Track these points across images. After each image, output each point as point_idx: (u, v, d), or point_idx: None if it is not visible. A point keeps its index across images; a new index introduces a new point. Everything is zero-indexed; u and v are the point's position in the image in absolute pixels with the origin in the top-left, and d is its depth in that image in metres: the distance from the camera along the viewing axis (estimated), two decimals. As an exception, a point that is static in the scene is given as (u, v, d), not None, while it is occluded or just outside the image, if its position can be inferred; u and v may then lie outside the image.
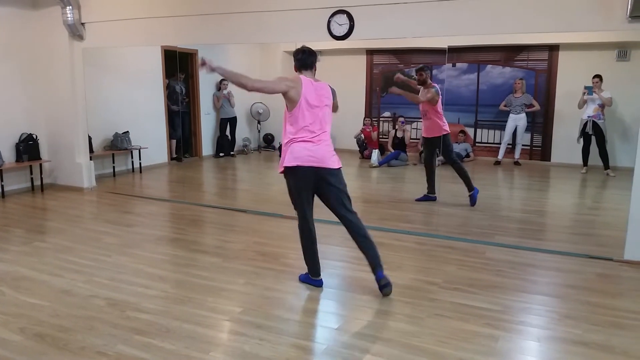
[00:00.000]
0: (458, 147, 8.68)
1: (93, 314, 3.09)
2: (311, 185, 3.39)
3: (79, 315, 3.07)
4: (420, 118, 6.13)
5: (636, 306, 3.25)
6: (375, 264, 3.35)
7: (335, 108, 3.59)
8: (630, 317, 3.09)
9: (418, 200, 6.14)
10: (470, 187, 5.91)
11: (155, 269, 3.86)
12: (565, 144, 8.29)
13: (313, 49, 3.50)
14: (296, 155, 3.30)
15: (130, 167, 7.99)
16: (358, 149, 9.24)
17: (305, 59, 3.43)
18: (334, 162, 3.39)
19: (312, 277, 3.55)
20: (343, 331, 2.91)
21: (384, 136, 9.50)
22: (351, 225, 3.44)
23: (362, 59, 9.72)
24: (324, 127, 3.39)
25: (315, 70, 3.51)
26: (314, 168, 3.31)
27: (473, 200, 5.86)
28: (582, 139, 7.70)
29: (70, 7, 5.99)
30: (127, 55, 7.75)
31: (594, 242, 4.57)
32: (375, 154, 8.56)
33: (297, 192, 3.41)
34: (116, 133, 7.61)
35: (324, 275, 3.62)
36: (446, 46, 6.29)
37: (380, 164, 8.48)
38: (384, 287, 3.31)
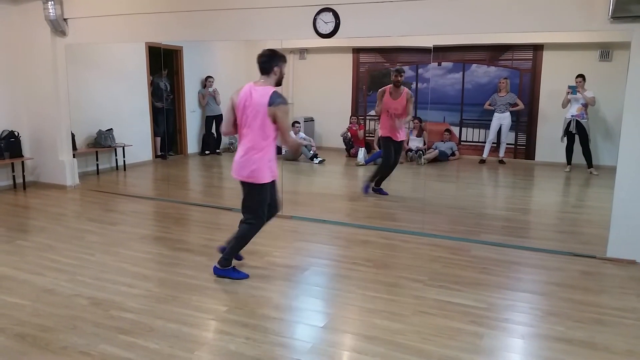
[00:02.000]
0: (443, 146, 8.72)
1: (76, 313, 3.05)
2: None
3: (61, 314, 3.03)
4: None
5: (618, 303, 3.29)
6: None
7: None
8: (612, 314, 3.13)
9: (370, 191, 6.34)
10: (379, 183, 6.26)
11: (139, 267, 3.83)
12: (549, 142, 8.36)
13: (272, 50, 3.41)
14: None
15: (114, 164, 7.90)
16: (345, 147, 9.24)
17: (258, 63, 3.40)
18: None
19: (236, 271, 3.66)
20: (329, 329, 2.91)
21: (370, 134, 9.52)
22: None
23: (349, 58, 9.71)
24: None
25: (272, 74, 3.39)
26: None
27: (366, 189, 6.26)
28: (565, 138, 7.77)
29: (52, 2, 5.89)
30: (111, 51, 7.66)
31: (578, 240, 4.63)
32: (361, 152, 8.56)
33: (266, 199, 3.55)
34: (100, 130, 7.52)
35: (310, 273, 3.62)
36: (432, 45, 6.30)
37: (367, 162, 8.49)
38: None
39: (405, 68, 9.44)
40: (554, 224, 5.37)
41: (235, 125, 3.47)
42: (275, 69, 3.37)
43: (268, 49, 3.38)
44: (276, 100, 3.27)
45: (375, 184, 6.26)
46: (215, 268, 3.64)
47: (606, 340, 2.79)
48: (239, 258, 3.89)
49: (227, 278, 3.59)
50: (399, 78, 5.93)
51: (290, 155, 8.67)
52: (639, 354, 2.66)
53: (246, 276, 3.60)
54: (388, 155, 6.13)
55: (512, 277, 3.76)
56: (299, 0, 4.91)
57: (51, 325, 2.90)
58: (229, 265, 3.62)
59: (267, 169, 3.39)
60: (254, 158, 3.35)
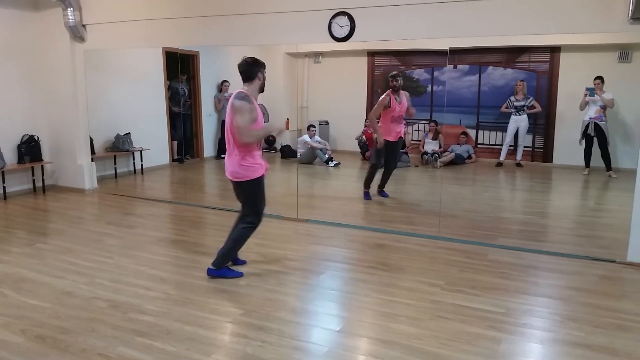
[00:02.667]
0: (460, 149, 8.67)
1: (94, 315, 3.09)
2: None
3: (80, 317, 3.07)
4: (421, 120, 6.22)
5: (639, 308, 3.23)
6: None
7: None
8: (633, 319, 3.07)
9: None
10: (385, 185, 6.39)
11: (156, 270, 3.86)
12: (567, 145, 8.26)
13: (252, 58, 3.55)
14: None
15: (131, 168, 7.99)
16: (360, 150, 9.23)
17: (240, 72, 3.55)
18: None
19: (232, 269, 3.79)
20: (345, 333, 2.90)
21: (385, 138, 9.48)
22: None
23: (364, 61, 9.71)
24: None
25: (256, 80, 3.55)
26: None
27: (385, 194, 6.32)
28: (584, 141, 7.68)
29: (72, 8, 5.99)
30: (128, 56, 7.75)
31: (597, 244, 4.56)
32: (376, 155, 8.53)
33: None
34: (118, 134, 7.61)
35: (325, 277, 3.62)
36: (447, 48, 6.27)
37: (382, 166, 8.46)
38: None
39: (421, 71, 9.42)
40: (572, 227, 5.30)
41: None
42: (259, 74, 3.52)
43: (248, 57, 3.54)
44: (234, 100, 3.42)
45: (383, 186, 6.38)
46: (209, 270, 3.70)
47: (627, 346, 2.74)
48: (241, 262, 3.95)
49: (223, 278, 3.67)
50: (395, 83, 5.98)
51: (305, 158, 8.70)
52: (661, 360, 2.62)
53: (241, 274, 3.73)
54: (378, 158, 6.23)
55: (530, 281, 3.72)
56: (315, 4, 4.93)
57: (70, 327, 2.93)
58: (223, 266, 3.70)
59: (248, 166, 3.59)
60: (236, 159, 3.58)
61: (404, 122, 6.17)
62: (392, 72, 6.34)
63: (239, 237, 3.70)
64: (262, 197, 3.74)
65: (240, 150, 3.54)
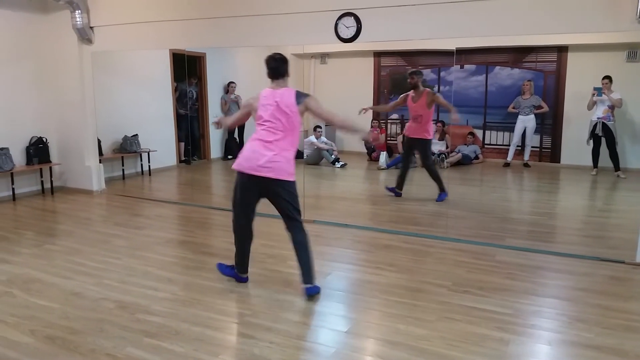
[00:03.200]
0: (467, 149, 8.65)
1: (103, 316, 3.10)
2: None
3: (89, 317, 3.09)
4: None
5: (649, 309, 3.22)
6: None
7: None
8: (642, 320, 3.06)
9: (389, 189, 6.43)
10: (442, 188, 6.20)
11: (164, 271, 3.88)
12: (575, 145, 8.22)
13: (281, 56, 3.44)
14: None
15: (139, 169, 8.02)
16: (366, 151, 9.22)
17: (271, 68, 3.42)
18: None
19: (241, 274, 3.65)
20: (352, 334, 2.90)
21: (392, 138, 9.48)
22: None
23: (370, 61, 9.70)
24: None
25: (287, 77, 3.45)
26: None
27: (440, 198, 6.17)
28: (591, 141, 7.64)
29: (80, 11, 6.03)
30: (135, 58, 7.79)
31: (605, 245, 4.54)
32: (383, 156, 8.54)
33: None
34: (125, 136, 7.65)
35: (333, 277, 3.61)
36: (454, 48, 6.26)
37: (389, 166, 8.46)
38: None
39: (428, 71, 9.40)
40: (580, 228, 5.27)
41: (240, 124, 3.80)
42: (288, 71, 3.44)
43: (277, 53, 3.42)
44: (302, 97, 3.34)
45: (439, 189, 6.27)
46: (312, 289, 3.38)
47: (637, 348, 2.72)
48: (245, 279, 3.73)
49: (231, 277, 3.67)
50: (414, 80, 6.01)
51: (312, 159, 8.71)
52: (671, 361, 2.60)
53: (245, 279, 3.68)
54: (407, 155, 6.31)
55: (538, 282, 3.71)
56: (321, 5, 4.93)
57: (79, 327, 2.95)
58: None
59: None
60: (289, 157, 3.36)
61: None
62: (412, 69, 6.33)
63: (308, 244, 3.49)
64: None
65: (294, 148, 3.41)
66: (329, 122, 3.47)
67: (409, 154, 6.39)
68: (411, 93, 6.11)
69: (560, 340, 2.83)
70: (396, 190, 6.37)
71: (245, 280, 3.64)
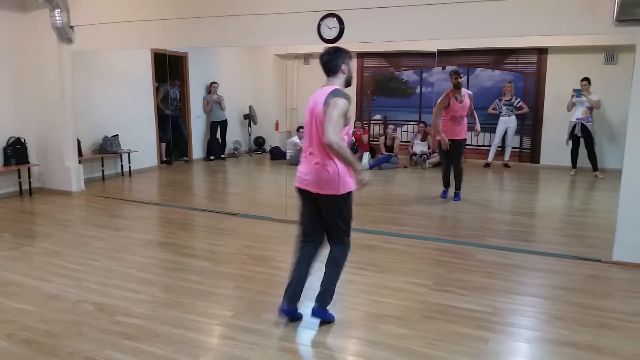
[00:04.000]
0: (448, 150, 8.71)
1: (81, 319, 3.06)
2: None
3: (67, 320, 3.04)
4: (409, 122, 6.22)
5: (624, 307, 3.27)
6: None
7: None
8: (618, 317, 3.11)
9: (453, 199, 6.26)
10: (459, 187, 6.16)
11: (144, 273, 3.84)
12: (554, 146, 8.35)
13: (336, 47, 2.93)
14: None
15: (119, 170, 7.94)
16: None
17: (322, 64, 2.93)
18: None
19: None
20: (333, 334, 2.90)
21: (374, 139, 9.52)
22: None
23: (353, 62, 9.72)
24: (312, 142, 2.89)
25: (340, 74, 2.90)
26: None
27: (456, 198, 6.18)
28: (570, 141, 7.76)
29: (59, 10, 5.95)
30: (116, 58, 7.71)
31: (583, 244, 4.61)
32: (366, 156, 8.58)
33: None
34: (105, 136, 7.56)
35: (315, 278, 3.60)
36: (436, 49, 6.32)
37: (371, 167, 8.50)
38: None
39: (410, 72, 9.46)
40: (559, 227, 5.35)
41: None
42: (343, 67, 2.89)
43: (331, 47, 2.94)
44: (330, 97, 2.75)
45: (456, 188, 6.25)
46: (317, 310, 3.03)
47: (612, 345, 2.77)
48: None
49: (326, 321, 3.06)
50: (460, 80, 5.91)
51: (295, 159, 8.70)
52: (646, 358, 2.65)
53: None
54: (447, 157, 6.18)
55: (518, 281, 3.75)
56: (304, 6, 4.93)
57: (57, 330, 2.91)
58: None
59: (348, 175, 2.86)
60: (333, 167, 2.80)
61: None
62: (453, 68, 6.14)
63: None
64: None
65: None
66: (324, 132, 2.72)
67: (451, 156, 6.18)
68: (452, 94, 5.96)
69: (538, 338, 2.87)
70: (448, 193, 6.33)
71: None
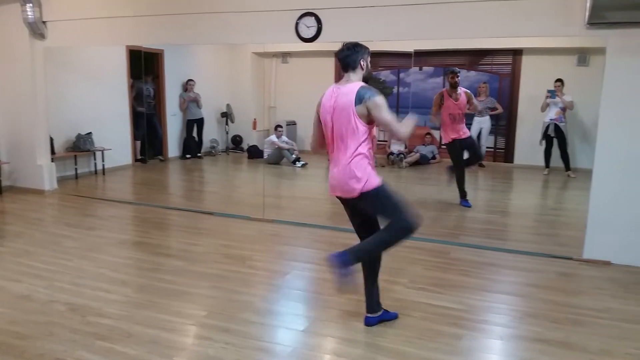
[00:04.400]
0: (425, 149, 8.79)
1: (53, 319, 3.00)
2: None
3: (38, 321, 2.98)
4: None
5: (594, 303, 3.34)
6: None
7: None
8: (588, 314, 3.18)
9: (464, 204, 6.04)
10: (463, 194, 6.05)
11: (117, 273, 3.78)
12: (528, 146, 8.47)
13: (354, 43, 2.88)
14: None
15: (93, 169, 7.81)
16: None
17: (341, 59, 2.86)
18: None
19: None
20: (309, 333, 2.91)
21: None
22: None
23: (331, 62, 9.72)
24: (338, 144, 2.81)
25: (359, 69, 2.84)
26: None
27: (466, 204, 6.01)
28: (544, 142, 7.89)
29: (31, 4, 5.81)
30: (91, 54, 7.58)
31: (555, 242, 4.69)
32: (343, 156, 8.58)
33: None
34: (79, 134, 7.43)
35: (291, 277, 3.61)
36: (412, 50, 6.35)
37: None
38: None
39: (387, 72, 9.51)
40: (532, 226, 5.44)
41: (324, 140, 2.94)
42: (362, 62, 2.82)
43: (350, 42, 2.86)
44: (365, 94, 2.68)
45: (461, 196, 6.03)
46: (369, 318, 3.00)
47: (582, 340, 2.83)
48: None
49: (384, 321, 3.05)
50: (456, 79, 5.84)
51: (272, 158, 8.68)
52: (613, 353, 2.71)
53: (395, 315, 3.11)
54: (457, 159, 6.02)
55: (491, 279, 3.80)
56: (282, 4, 4.92)
57: (27, 332, 2.85)
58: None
59: (373, 172, 2.78)
60: (360, 166, 2.74)
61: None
62: (451, 68, 6.05)
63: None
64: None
65: (369, 153, 2.80)
66: (392, 134, 2.77)
67: (462, 157, 6.04)
68: (447, 92, 5.89)
69: (511, 335, 2.91)
70: (466, 201, 6.03)
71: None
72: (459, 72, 5.94)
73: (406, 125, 2.78)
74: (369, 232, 2.90)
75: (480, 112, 8.52)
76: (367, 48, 2.87)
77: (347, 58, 2.81)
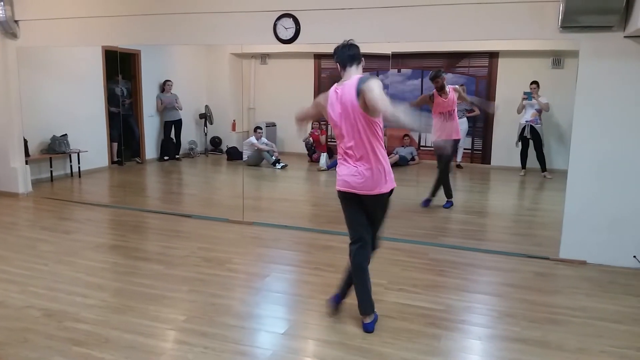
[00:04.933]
0: (404, 151, 8.84)
1: (27, 325, 2.94)
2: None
3: (12, 327, 2.92)
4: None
5: (570, 302, 3.40)
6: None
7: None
8: (565, 313, 3.23)
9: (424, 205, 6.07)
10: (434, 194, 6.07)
11: (94, 277, 3.72)
12: (504, 147, 8.57)
13: (351, 43, 2.90)
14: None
15: (68, 171, 7.67)
16: (307, 152, 9.25)
17: (346, 54, 2.86)
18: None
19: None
20: (289, 336, 2.90)
21: (332, 140, 9.55)
22: None
23: (310, 63, 9.74)
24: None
25: (360, 64, 2.88)
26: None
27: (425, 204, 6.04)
28: (520, 143, 8.00)
29: (2, 3, 5.69)
30: (65, 55, 7.45)
31: (532, 242, 4.76)
32: (323, 157, 8.59)
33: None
34: (54, 136, 7.29)
35: (271, 279, 3.59)
36: (390, 52, 6.38)
37: (329, 168, 8.52)
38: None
39: (366, 74, 9.53)
40: (509, 226, 5.51)
41: (312, 119, 3.07)
42: (362, 58, 2.89)
43: (347, 40, 2.90)
44: (361, 83, 2.67)
45: (432, 194, 6.09)
46: (366, 325, 2.96)
47: (559, 339, 2.88)
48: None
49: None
50: (441, 82, 5.74)
51: (252, 160, 8.64)
52: (589, 351, 2.76)
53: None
54: (441, 159, 6.02)
55: (469, 279, 3.84)
56: (260, 5, 4.90)
57: (1, 339, 2.79)
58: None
59: (390, 172, 2.88)
60: (378, 166, 2.80)
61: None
62: (432, 72, 5.86)
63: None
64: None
65: (383, 149, 2.83)
66: (384, 116, 2.69)
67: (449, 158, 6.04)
68: (437, 93, 5.84)
69: (489, 335, 2.94)
70: (428, 199, 6.11)
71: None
72: (442, 74, 5.83)
73: (405, 113, 2.55)
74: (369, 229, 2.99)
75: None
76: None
77: (349, 50, 2.83)
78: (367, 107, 2.66)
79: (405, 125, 2.59)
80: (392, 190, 2.90)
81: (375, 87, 2.62)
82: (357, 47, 2.86)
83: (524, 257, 4.33)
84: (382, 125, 2.78)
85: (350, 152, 2.81)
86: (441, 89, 5.84)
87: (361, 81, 2.69)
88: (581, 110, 4.10)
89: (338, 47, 2.88)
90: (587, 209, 4.15)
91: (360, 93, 2.65)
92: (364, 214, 2.94)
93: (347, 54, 2.82)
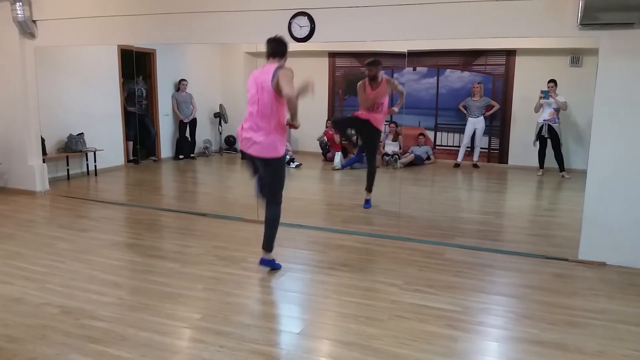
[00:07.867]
0: (419, 150, 8.79)
1: (45, 322, 2.97)
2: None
3: (30, 324, 2.94)
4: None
5: (589, 305, 3.34)
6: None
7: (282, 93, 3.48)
8: (584, 315, 3.17)
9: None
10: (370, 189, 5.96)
11: (110, 275, 3.74)
12: (522, 146, 8.49)
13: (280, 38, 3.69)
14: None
15: (85, 169, 7.75)
16: (321, 151, 9.23)
17: (276, 47, 3.65)
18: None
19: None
20: (304, 335, 2.88)
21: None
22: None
23: (325, 62, 9.72)
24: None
25: (284, 60, 3.65)
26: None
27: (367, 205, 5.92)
28: (538, 142, 7.91)
29: (20, 3, 5.75)
30: (82, 54, 7.52)
31: (550, 243, 4.69)
32: (338, 156, 8.57)
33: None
34: (70, 135, 7.37)
35: (286, 279, 3.58)
36: (406, 50, 6.34)
37: (343, 167, 8.50)
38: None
39: (381, 73, 9.49)
40: (527, 227, 5.44)
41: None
42: (286, 55, 3.66)
43: (278, 35, 3.70)
44: (277, 70, 3.47)
45: (367, 189, 5.99)
46: (262, 260, 3.84)
47: (577, 342, 2.83)
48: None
49: (271, 268, 3.87)
50: (372, 73, 5.63)
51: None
52: (609, 354, 2.71)
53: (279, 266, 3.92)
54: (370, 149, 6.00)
55: (486, 280, 3.80)
56: (275, 4, 4.89)
57: (19, 335, 2.81)
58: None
59: (281, 143, 3.63)
60: (272, 136, 3.56)
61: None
62: (369, 59, 5.80)
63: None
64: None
65: (280, 126, 3.62)
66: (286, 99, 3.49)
67: (365, 142, 5.98)
68: (367, 82, 5.71)
69: (507, 337, 2.90)
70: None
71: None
72: (380, 64, 5.72)
73: (292, 93, 3.42)
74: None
75: (473, 113, 8.53)
76: None
77: (280, 46, 3.63)
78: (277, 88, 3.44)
79: (294, 108, 3.53)
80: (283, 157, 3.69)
81: (287, 77, 3.45)
82: (286, 43, 3.66)
83: (542, 258, 4.27)
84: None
85: (257, 121, 3.61)
86: (373, 79, 5.66)
87: (278, 69, 3.48)
88: (600, 110, 4.03)
89: (271, 39, 3.65)
90: (607, 210, 4.08)
91: (275, 77, 3.45)
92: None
93: (278, 48, 3.63)
